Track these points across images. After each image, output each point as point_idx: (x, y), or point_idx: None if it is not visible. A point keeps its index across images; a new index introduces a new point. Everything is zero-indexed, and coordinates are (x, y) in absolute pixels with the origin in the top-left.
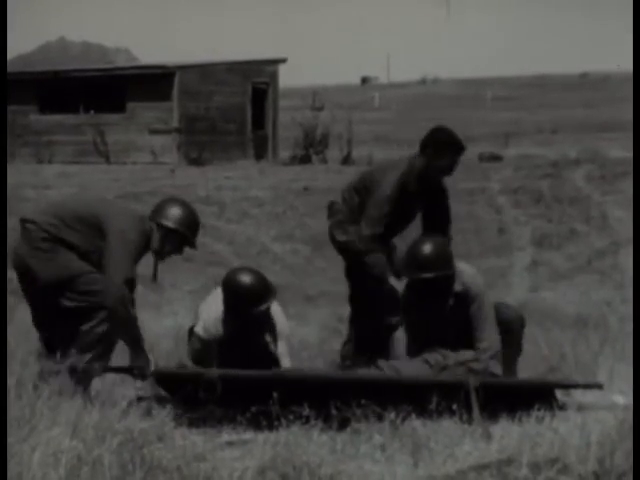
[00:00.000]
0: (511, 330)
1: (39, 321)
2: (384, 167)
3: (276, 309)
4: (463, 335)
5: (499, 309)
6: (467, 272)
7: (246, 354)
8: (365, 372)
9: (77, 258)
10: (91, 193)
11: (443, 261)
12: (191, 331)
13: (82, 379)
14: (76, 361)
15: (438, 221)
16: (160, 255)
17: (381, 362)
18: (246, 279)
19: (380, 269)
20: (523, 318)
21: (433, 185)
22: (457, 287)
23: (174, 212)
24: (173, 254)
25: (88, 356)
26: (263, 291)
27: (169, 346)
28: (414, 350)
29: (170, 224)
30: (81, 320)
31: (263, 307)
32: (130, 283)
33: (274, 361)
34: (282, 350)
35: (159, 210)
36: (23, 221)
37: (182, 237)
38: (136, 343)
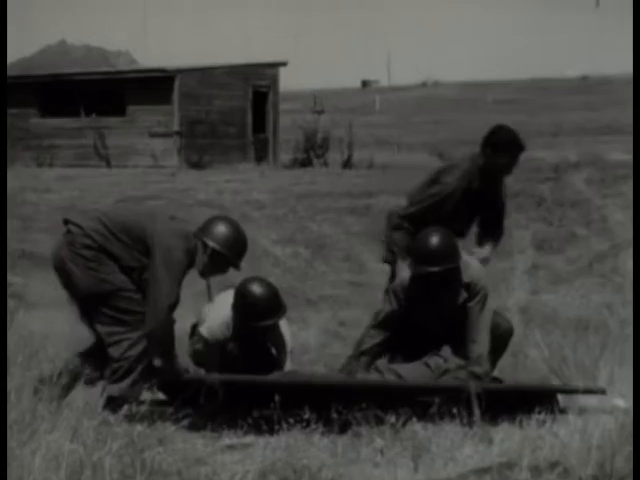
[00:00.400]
0: (501, 337)
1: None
2: (448, 166)
3: (282, 322)
4: (457, 326)
5: (497, 319)
6: (473, 266)
7: (248, 360)
8: (366, 378)
9: (119, 271)
10: (140, 206)
11: (450, 254)
12: (193, 329)
13: (114, 404)
14: (112, 390)
15: (491, 221)
16: (203, 274)
17: (381, 365)
18: (260, 291)
19: (398, 247)
20: (512, 329)
21: (493, 184)
22: (464, 279)
23: (220, 231)
24: (217, 274)
25: (125, 383)
26: (274, 306)
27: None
28: (412, 342)
29: (215, 244)
30: (109, 338)
31: (270, 322)
32: (174, 307)
33: (275, 367)
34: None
35: (205, 228)
36: (67, 222)
37: (226, 258)
38: (170, 364)
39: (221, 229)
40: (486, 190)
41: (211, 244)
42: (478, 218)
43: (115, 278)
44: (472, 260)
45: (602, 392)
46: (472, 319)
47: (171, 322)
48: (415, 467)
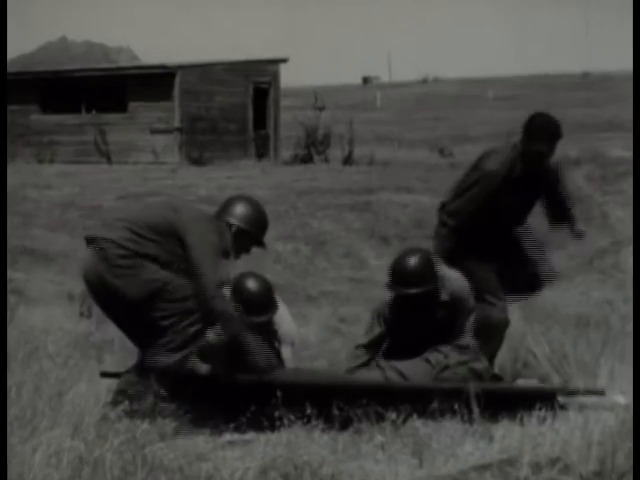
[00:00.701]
0: (494, 327)
1: (130, 337)
2: (489, 150)
3: (284, 313)
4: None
5: (488, 310)
6: (453, 278)
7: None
8: (367, 376)
9: (160, 269)
10: (158, 200)
11: (427, 275)
12: None
13: (162, 379)
14: (166, 360)
15: (557, 210)
16: (227, 254)
17: (381, 362)
18: (256, 287)
19: (435, 250)
20: (507, 319)
21: (538, 172)
22: (444, 297)
23: (241, 210)
24: (242, 254)
25: (177, 356)
26: (264, 304)
27: None
28: (398, 355)
29: (239, 223)
30: (173, 329)
31: (261, 319)
32: (222, 285)
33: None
34: (286, 356)
35: (226, 209)
36: (92, 240)
37: (250, 236)
38: (245, 339)
39: (242, 208)
40: (531, 178)
41: (235, 223)
42: (544, 209)
43: (160, 275)
44: (450, 272)
45: (601, 393)
46: (459, 329)
47: (225, 299)
48: (416, 463)
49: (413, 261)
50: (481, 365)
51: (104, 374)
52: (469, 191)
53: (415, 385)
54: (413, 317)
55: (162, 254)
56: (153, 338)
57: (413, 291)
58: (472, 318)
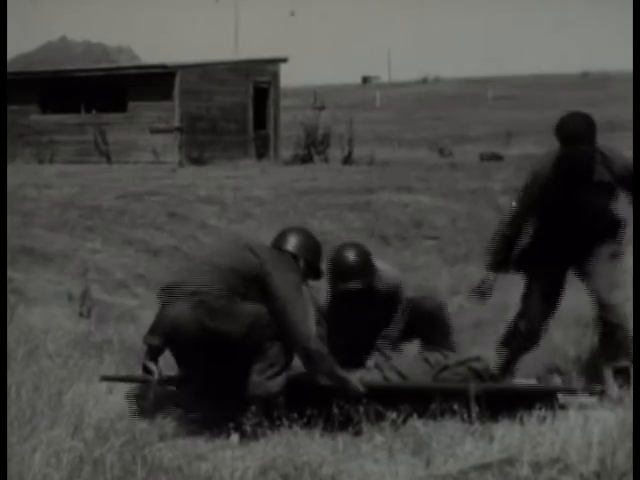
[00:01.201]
0: (437, 317)
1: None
2: (542, 154)
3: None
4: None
5: (423, 300)
6: (386, 272)
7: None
8: (366, 376)
9: (250, 304)
10: (230, 240)
11: (366, 269)
12: None
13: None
14: (273, 385)
15: (601, 223)
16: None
17: (380, 362)
18: (348, 253)
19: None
20: (440, 302)
21: (581, 176)
22: (380, 286)
23: (299, 240)
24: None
25: (281, 380)
26: (357, 269)
27: None
28: (342, 351)
29: (306, 254)
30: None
31: (353, 285)
32: (312, 324)
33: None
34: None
35: (283, 240)
36: (181, 286)
37: (312, 265)
38: (337, 375)
39: (298, 238)
40: (577, 182)
41: (300, 254)
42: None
43: (253, 309)
44: (383, 265)
45: (601, 392)
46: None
47: (317, 338)
48: (416, 463)
49: (351, 255)
50: (480, 365)
51: (105, 378)
52: (519, 196)
53: (416, 385)
54: (353, 311)
55: (249, 293)
56: (246, 372)
57: (354, 286)
58: (404, 309)
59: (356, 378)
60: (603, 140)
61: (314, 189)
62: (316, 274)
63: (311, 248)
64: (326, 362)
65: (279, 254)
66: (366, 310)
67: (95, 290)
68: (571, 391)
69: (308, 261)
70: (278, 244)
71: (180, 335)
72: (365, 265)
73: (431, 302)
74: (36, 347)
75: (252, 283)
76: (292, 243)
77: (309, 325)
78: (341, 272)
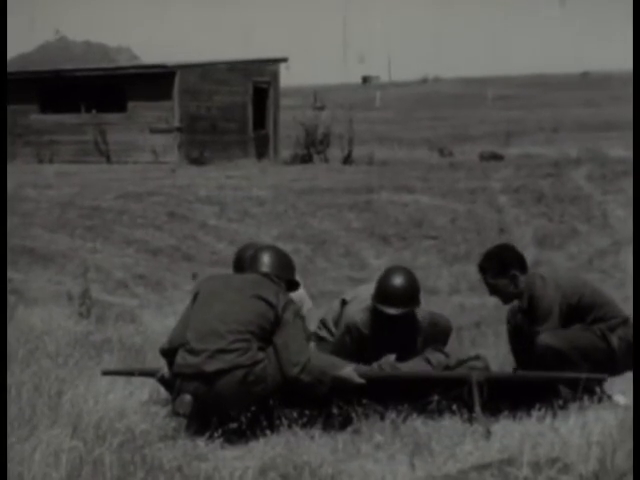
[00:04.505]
0: (444, 336)
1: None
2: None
3: (304, 294)
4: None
5: (436, 318)
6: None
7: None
8: (367, 369)
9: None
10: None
11: (410, 297)
12: None
13: None
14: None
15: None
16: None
17: (385, 364)
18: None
19: None
20: (450, 327)
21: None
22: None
23: (271, 260)
24: None
25: None
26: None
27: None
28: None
29: (282, 274)
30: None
31: (394, 311)
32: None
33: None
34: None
35: (257, 262)
36: (213, 358)
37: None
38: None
39: (270, 257)
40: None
41: (283, 279)
42: None
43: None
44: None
45: (603, 379)
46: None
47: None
48: (415, 463)
49: (399, 281)
50: (481, 364)
51: (106, 372)
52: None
53: (416, 374)
54: (391, 335)
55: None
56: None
57: (394, 311)
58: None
59: (349, 370)
60: (602, 139)
61: (314, 189)
62: (294, 287)
63: (287, 265)
64: (321, 378)
65: (277, 287)
66: (399, 332)
67: (95, 290)
68: (574, 378)
69: (288, 279)
70: (254, 267)
71: (227, 408)
72: (408, 293)
73: (443, 321)
74: (36, 347)
75: (269, 330)
76: (269, 264)
77: (305, 355)
78: (385, 294)
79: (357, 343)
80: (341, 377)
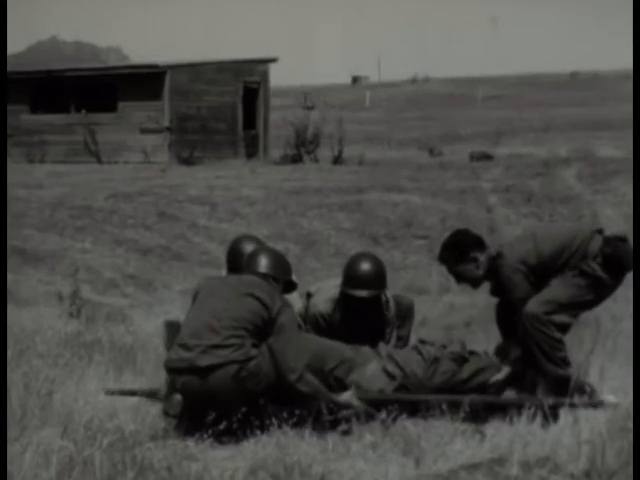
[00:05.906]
0: (409, 314)
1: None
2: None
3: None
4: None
5: (399, 299)
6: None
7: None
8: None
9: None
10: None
11: (378, 279)
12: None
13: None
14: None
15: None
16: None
17: (382, 350)
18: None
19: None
20: (413, 305)
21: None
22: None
23: (268, 261)
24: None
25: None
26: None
27: (160, 345)
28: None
29: (281, 275)
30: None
31: (362, 294)
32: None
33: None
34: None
35: (254, 263)
36: (208, 353)
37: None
38: (330, 399)
39: (267, 258)
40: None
41: (281, 280)
42: None
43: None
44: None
45: (600, 404)
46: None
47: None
48: (406, 462)
49: (367, 265)
50: (458, 347)
51: (109, 392)
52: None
53: (412, 397)
54: (359, 318)
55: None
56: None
57: (362, 294)
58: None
59: (348, 396)
60: (592, 138)
61: (304, 189)
62: (292, 288)
63: (284, 266)
64: (317, 394)
65: (273, 288)
66: (369, 316)
67: (85, 290)
68: (573, 405)
69: (286, 279)
70: (252, 268)
71: (225, 403)
72: (376, 277)
73: (406, 300)
74: (26, 347)
75: (262, 328)
76: (266, 266)
77: (302, 360)
78: (353, 278)
79: (325, 333)
80: (339, 402)
